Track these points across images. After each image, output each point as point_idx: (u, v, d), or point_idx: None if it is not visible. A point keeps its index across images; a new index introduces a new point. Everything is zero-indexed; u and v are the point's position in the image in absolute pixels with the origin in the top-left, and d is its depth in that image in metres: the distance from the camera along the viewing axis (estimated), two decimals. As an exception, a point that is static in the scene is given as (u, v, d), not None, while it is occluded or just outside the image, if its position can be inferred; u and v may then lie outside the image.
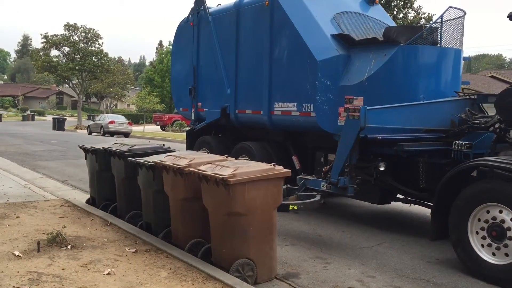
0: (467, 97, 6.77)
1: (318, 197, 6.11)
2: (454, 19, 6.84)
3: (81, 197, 8.36)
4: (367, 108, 5.88)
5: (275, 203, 4.71)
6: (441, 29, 6.85)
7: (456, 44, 7.05)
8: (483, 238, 4.98)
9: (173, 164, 5.15)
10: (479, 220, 5.00)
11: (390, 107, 6.31)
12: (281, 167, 4.75)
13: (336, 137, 6.72)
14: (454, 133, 6.21)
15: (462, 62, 7.30)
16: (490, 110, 6.31)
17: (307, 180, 6.82)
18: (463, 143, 5.79)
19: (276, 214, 4.78)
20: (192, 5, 10.21)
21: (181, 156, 5.42)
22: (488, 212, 4.92)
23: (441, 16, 6.79)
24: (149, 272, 4.63)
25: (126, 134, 31.43)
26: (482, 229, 4.98)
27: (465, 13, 6.95)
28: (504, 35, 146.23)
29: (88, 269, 4.63)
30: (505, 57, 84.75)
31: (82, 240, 5.60)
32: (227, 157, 5.40)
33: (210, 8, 9.93)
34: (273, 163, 4.80)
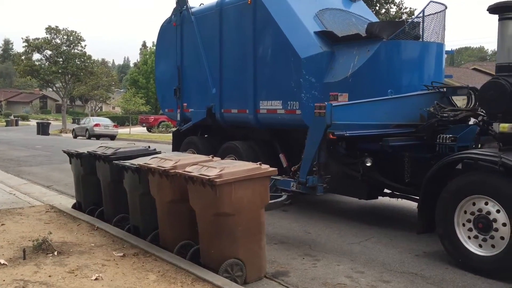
0: (436, 90, 6.72)
1: (283, 197, 6.01)
2: (435, 13, 6.90)
3: (67, 202, 8.26)
4: (333, 104, 5.85)
5: (262, 202, 4.69)
6: (423, 24, 6.91)
7: (438, 38, 7.10)
8: (470, 230, 5.03)
9: (158, 166, 5.11)
10: (465, 212, 5.05)
11: (356, 103, 6.29)
12: (267, 166, 4.74)
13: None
14: (423, 128, 6.17)
15: (445, 55, 7.36)
16: (460, 103, 6.35)
17: (277, 180, 6.80)
18: (448, 136, 5.82)
19: (264, 213, 4.76)
20: (174, 5, 10.16)
21: (166, 158, 5.37)
22: (474, 204, 4.97)
23: (423, 11, 6.84)
24: (138, 276, 4.59)
25: (112, 137, 31.16)
26: (469, 221, 5.03)
27: (446, 7, 7.00)
28: (485, 28, 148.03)
29: (76, 275, 4.58)
30: (487, 50, 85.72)
31: (69, 246, 5.53)
32: (212, 157, 5.37)
33: (192, 7, 9.89)
34: (259, 162, 4.78)
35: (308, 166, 6.09)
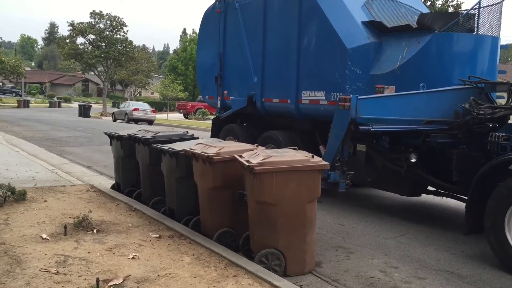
0: (474, 85, 6.33)
1: None
2: (492, 5, 6.56)
3: (106, 182, 8.41)
4: (359, 97, 5.59)
5: (310, 196, 4.51)
6: (478, 16, 6.58)
7: (494, 31, 6.76)
8: (519, 230, 4.77)
9: (202, 152, 5.07)
10: None
11: (384, 96, 6.02)
12: (319, 159, 4.58)
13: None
14: (457, 125, 5.85)
15: (499, 50, 7.00)
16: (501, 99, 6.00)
17: None
18: (500, 135, 5.53)
19: (313, 207, 4.61)
20: (219, -8, 10.09)
21: (210, 144, 5.34)
22: None
23: (479, 2, 6.52)
24: (173, 257, 4.62)
25: (150, 122, 31.64)
26: (520, 221, 4.77)
27: (503, -1, 6.65)
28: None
29: (113, 253, 4.65)
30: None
31: (107, 225, 5.62)
32: (257, 146, 5.28)
33: (237, -6, 9.79)
34: (311, 154, 4.61)
35: (330, 161, 5.75)
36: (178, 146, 5.79)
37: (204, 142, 5.57)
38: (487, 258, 5.21)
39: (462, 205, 6.02)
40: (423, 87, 6.36)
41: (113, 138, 7.51)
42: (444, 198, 7.01)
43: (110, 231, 5.37)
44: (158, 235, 5.29)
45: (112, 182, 8.04)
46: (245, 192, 4.75)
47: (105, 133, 7.87)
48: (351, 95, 5.65)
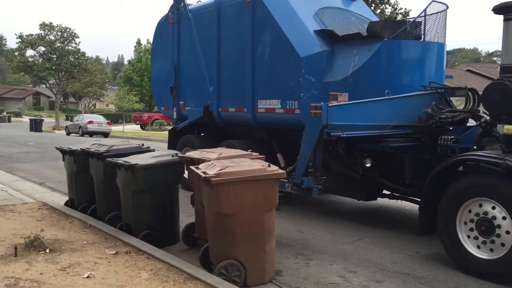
0: (434, 91, 6.60)
1: None
2: (437, 12, 6.82)
3: (59, 199, 8.13)
4: (329, 105, 5.74)
5: (268, 205, 4.51)
6: (424, 23, 6.82)
7: (439, 38, 7.03)
8: (471, 230, 4.95)
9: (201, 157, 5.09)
10: (469, 211, 4.96)
11: (353, 103, 6.20)
12: (276, 168, 4.60)
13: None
14: (421, 129, 6.09)
15: (446, 56, 7.28)
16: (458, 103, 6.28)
17: None
18: (449, 137, 5.75)
19: (271, 216, 4.61)
20: (171, 2, 10.03)
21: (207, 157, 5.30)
22: (480, 205, 4.87)
23: (425, 10, 6.76)
24: (130, 274, 4.51)
25: (105, 134, 30.94)
26: (472, 221, 4.94)
27: (447, 7, 6.93)
28: (479, 29, 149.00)
29: (67, 273, 4.50)
30: (481, 51, 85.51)
31: (61, 243, 5.43)
32: (252, 151, 5.43)
33: (190, 5, 9.76)
34: (268, 163, 4.63)
35: (303, 167, 5.96)
36: (133, 160, 5.69)
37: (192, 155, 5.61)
38: (442, 258, 5.36)
39: (417, 207, 6.19)
40: (388, 94, 6.55)
41: (65, 153, 7.30)
42: (399, 201, 7.20)
43: (63, 250, 5.18)
44: (114, 252, 5.15)
45: (66, 198, 7.78)
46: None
47: (57, 148, 7.62)
48: (322, 103, 5.77)
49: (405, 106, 6.35)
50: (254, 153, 5.48)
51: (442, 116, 5.95)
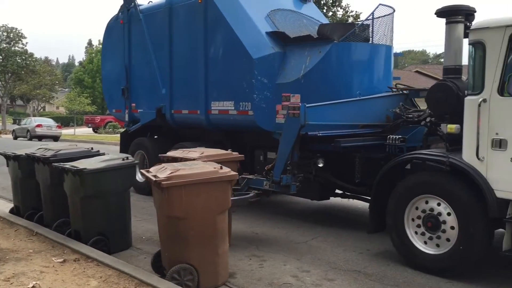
0: (400, 92, 6.95)
1: (251, 194, 6.09)
2: (384, 16, 7.01)
3: (4, 207, 7.79)
4: (307, 105, 5.86)
5: (220, 208, 4.48)
6: (372, 26, 7.00)
7: (387, 40, 7.23)
8: (418, 226, 5.12)
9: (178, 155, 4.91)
10: (416, 208, 5.12)
11: (329, 104, 6.33)
12: (228, 170, 4.58)
13: (275, 135, 6.68)
14: (389, 128, 6.35)
15: (393, 58, 7.50)
16: (422, 104, 6.53)
17: (250, 179, 6.72)
18: (397, 137, 5.92)
19: (224, 219, 4.59)
20: (121, 2, 9.81)
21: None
22: (427, 202, 5.04)
23: (372, 14, 6.93)
24: (78, 282, 4.39)
25: (55, 138, 29.90)
26: (419, 217, 5.11)
27: (394, 10, 7.14)
28: (428, 32, 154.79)
29: (11, 283, 4.33)
30: (429, 53, 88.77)
31: (5, 253, 5.22)
32: (231, 151, 5.52)
33: (140, 5, 9.59)
34: (220, 166, 4.62)
35: (282, 165, 6.06)
36: (81, 164, 5.53)
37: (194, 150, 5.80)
38: (391, 255, 5.51)
39: (367, 205, 6.33)
40: (359, 95, 6.76)
41: (10, 158, 7.01)
42: (351, 199, 7.34)
43: (7, 260, 4.97)
44: (62, 260, 4.98)
45: (11, 205, 7.48)
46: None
47: (0, 154, 7.29)
48: (300, 104, 5.85)
49: (374, 106, 6.62)
50: (234, 153, 5.58)
51: (409, 115, 6.21)
